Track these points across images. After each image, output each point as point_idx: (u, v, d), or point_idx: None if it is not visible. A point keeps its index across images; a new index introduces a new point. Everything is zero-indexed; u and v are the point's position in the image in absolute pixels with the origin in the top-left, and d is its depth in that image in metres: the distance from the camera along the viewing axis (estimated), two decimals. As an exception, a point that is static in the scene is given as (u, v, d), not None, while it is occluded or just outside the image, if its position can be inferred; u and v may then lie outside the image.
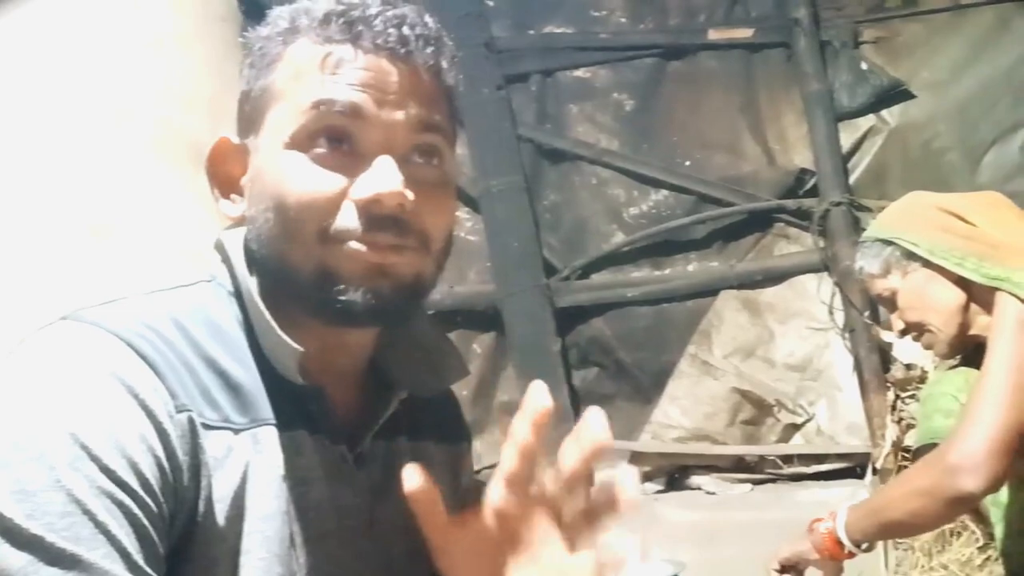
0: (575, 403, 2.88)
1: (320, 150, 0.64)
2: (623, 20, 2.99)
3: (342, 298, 0.63)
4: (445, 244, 0.69)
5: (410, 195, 0.64)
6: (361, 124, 0.64)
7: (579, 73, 3.00)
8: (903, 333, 1.43)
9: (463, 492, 0.82)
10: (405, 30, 0.66)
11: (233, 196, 0.70)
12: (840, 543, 1.32)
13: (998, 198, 1.43)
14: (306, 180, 0.64)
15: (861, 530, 1.32)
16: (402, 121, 0.65)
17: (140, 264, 1.48)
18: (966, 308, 1.32)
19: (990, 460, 1.18)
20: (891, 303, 1.41)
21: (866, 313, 2.67)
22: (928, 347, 1.40)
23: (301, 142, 0.64)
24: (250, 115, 0.69)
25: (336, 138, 0.64)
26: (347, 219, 0.64)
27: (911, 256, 1.36)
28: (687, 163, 2.95)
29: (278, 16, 0.69)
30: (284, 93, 0.66)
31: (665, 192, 2.94)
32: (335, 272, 0.64)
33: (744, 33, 2.91)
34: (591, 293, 2.94)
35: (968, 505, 1.29)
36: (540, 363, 2.86)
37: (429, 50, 0.67)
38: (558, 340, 2.88)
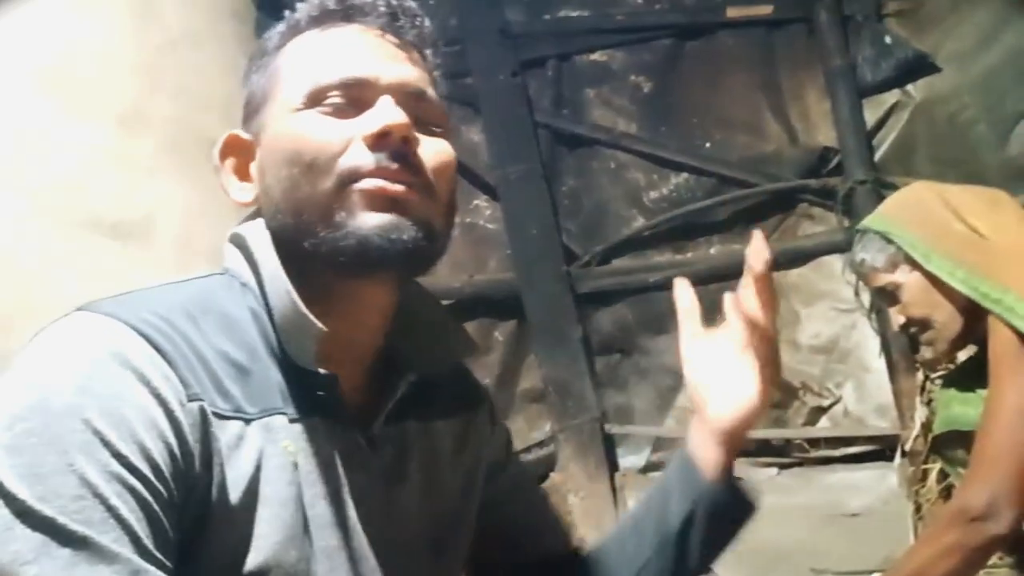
0: (598, 390, 2.87)
1: (329, 105, 0.70)
2: (639, 1, 2.95)
3: (359, 232, 0.66)
4: (450, 200, 0.73)
5: (416, 133, 0.70)
6: (364, 86, 0.70)
7: (595, 57, 2.97)
8: (904, 328, 1.41)
9: (499, 448, 0.88)
10: (395, 6, 0.74)
11: (243, 184, 0.75)
12: None
13: (1001, 197, 1.40)
14: (318, 127, 0.69)
15: None
16: (401, 85, 0.71)
17: (155, 264, 1.50)
18: (971, 308, 1.29)
19: (1011, 501, 1.18)
20: (892, 297, 1.38)
21: (893, 293, 2.62)
22: (929, 343, 1.38)
23: (310, 103, 0.70)
24: (256, 106, 0.74)
25: (342, 96, 0.70)
26: (359, 156, 0.68)
27: (909, 257, 1.34)
28: (707, 145, 2.90)
29: (280, 23, 0.77)
30: (289, 73, 0.72)
31: (685, 175, 2.90)
32: (350, 211, 0.67)
33: (763, 10, 2.85)
34: (612, 279, 2.92)
35: (1000, 547, 1.28)
36: (562, 350, 2.85)
37: (414, 32, 0.75)
38: (579, 327, 2.86)
